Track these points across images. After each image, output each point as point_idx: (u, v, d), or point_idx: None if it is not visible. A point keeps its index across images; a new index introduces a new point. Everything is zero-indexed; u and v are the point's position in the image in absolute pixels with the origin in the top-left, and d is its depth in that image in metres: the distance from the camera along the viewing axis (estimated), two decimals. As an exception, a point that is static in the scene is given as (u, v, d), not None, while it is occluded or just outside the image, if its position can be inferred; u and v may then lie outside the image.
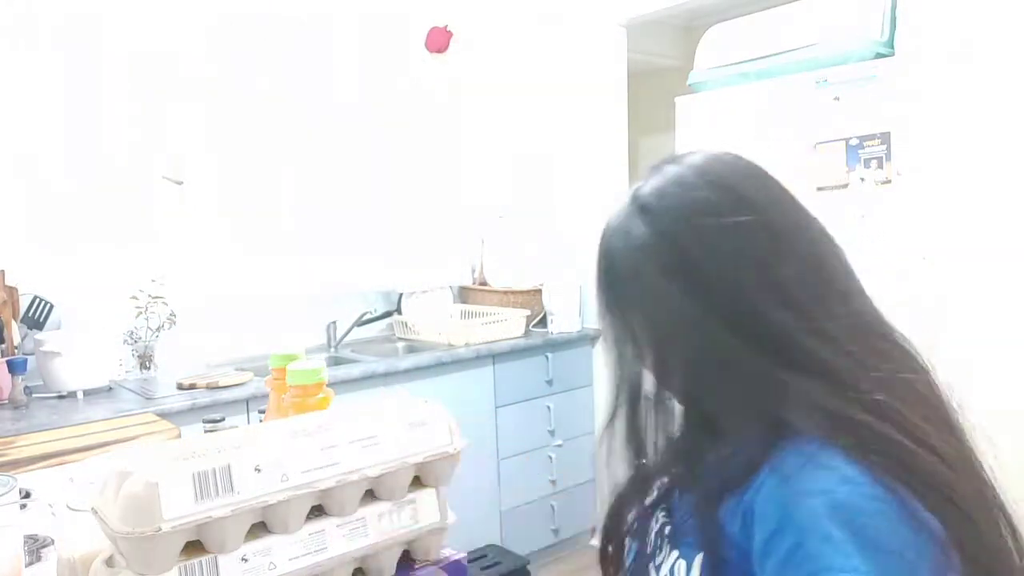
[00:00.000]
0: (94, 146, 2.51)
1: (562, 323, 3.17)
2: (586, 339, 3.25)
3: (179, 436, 1.70)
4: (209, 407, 2.16)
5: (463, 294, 3.49)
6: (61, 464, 1.33)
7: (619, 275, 0.73)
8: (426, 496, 0.77)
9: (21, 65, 2.37)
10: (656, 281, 0.69)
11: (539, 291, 3.25)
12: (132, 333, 2.51)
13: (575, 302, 3.21)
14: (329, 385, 0.90)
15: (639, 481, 0.74)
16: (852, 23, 2.11)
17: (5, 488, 0.72)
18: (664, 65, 3.98)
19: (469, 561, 0.81)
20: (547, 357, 3.09)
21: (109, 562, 0.66)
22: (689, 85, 2.55)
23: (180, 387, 2.29)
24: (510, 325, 3.10)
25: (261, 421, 0.87)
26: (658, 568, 0.70)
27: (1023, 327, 1.93)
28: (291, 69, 2.93)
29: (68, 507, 0.75)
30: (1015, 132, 1.92)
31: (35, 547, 0.88)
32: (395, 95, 3.20)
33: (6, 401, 2.13)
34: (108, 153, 2.53)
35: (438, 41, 3.35)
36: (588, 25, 3.20)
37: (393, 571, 0.76)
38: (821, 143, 2.14)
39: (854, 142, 2.08)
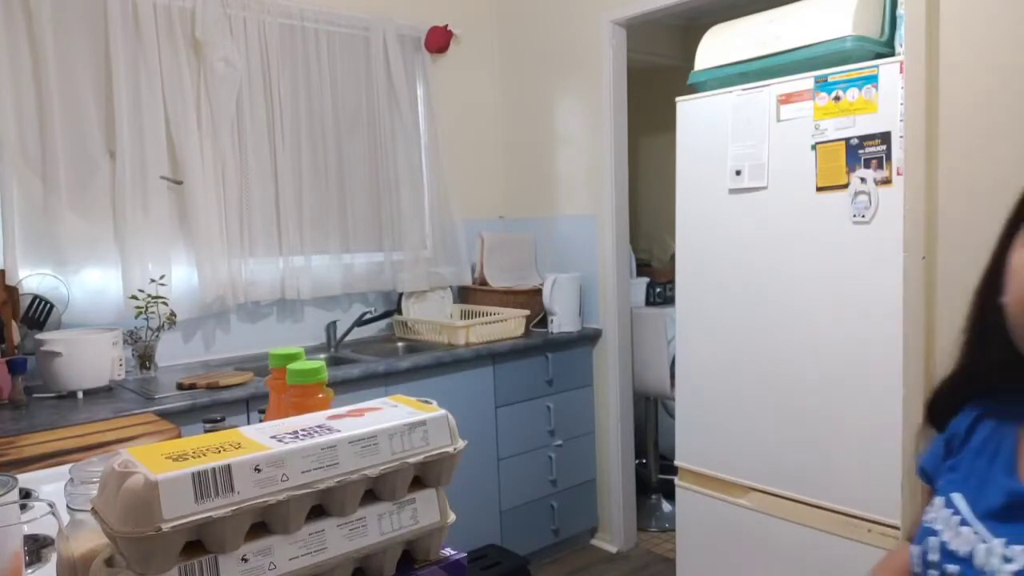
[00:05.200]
0: (93, 145, 2.51)
1: (562, 323, 3.17)
2: (586, 339, 3.25)
3: (179, 436, 1.70)
4: (209, 407, 2.16)
5: (463, 294, 3.49)
6: (61, 464, 1.33)
7: None
8: (426, 496, 0.77)
9: (19, 56, 2.37)
10: None
11: (539, 291, 3.25)
12: (132, 333, 2.52)
13: (575, 302, 3.21)
14: (329, 385, 0.90)
15: None
16: (852, 23, 2.11)
17: (5, 488, 0.72)
18: (664, 65, 3.99)
19: (469, 561, 0.81)
20: (547, 357, 3.09)
21: (109, 562, 0.66)
22: (689, 85, 2.55)
23: (180, 387, 2.29)
24: (510, 325, 3.11)
25: (261, 421, 0.86)
26: None
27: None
28: (294, 69, 2.93)
29: (68, 507, 0.75)
30: (1016, 131, 1.92)
31: (35, 547, 0.88)
32: (396, 95, 3.20)
33: (6, 401, 2.13)
34: (107, 152, 2.53)
35: (438, 41, 3.35)
36: (588, 24, 3.20)
37: (393, 571, 0.76)
38: (821, 143, 2.14)
39: (854, 142, 2.08)
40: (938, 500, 0.88)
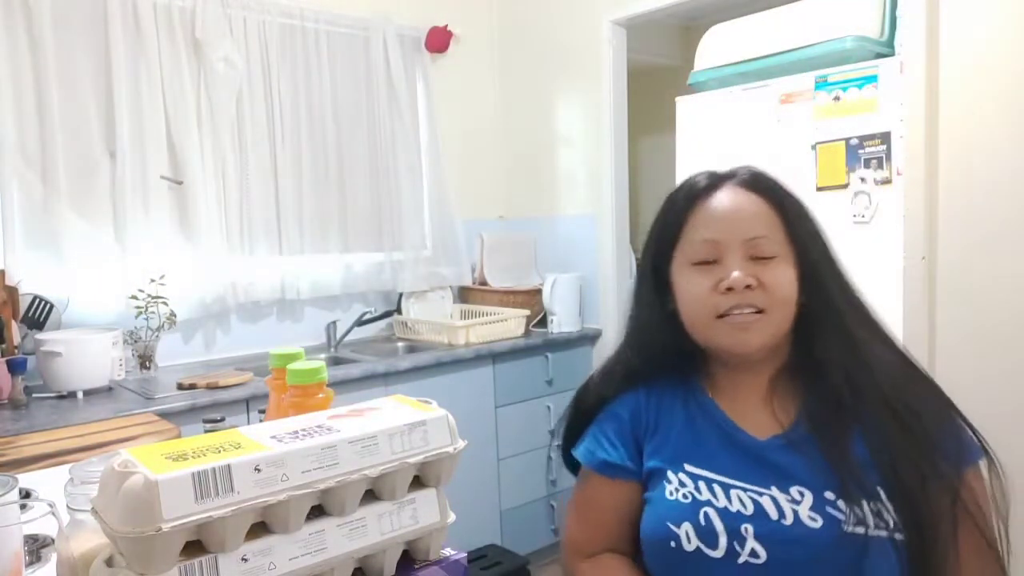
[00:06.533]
0: (93, 145, 2.50)
1: (562, 323, 3.17)
2: (586, 339, 3.25)
3: (179, 436, 1.69)
4: (209, 407, 2.16)
5: (463, 294, 3.49)
6: (61, 464, 1.33)
7: (807, 216, 1.03)
8: (426, 496, 0.77)
9: (19, 56, 2.37)
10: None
11: (539, 291, 3.25)
12: (132, 333, 2.51)
13: (575, 302, 3.21)
14: (329, 385, 0.90)
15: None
16: (852, 23, 2.11)
17: (5, 488, 0.72)
18: (664, 65, 3.98)
19: (469, 561, 0.81)
20: (547, 357, 3.09)
21: (109, 562, 0.66)
22: (689, 85, 2.55)
23: (180, 387, 2.29)
24: (510, 325, 3.11)
25: (261, 421, 0.86)
26: None
27: (1021, 327, 1.93)
28: (294, 69, 2.93)
29: (68, 507, 0.75)
30: (1015, 131, 1.92)
31: (35, 547, 0.88)
32: (396, 95, 3.20)
33: (6, 401, 2.13)
34: (107, 152, 2.53)
35: (438, 41, 3.35)
36: (588, 24, 3.20)
37: (393, 571, 0.76)
38: (821, 143, 2.14)
39: (854, 142, 2.08)
40: (677, 477, 0.92)
